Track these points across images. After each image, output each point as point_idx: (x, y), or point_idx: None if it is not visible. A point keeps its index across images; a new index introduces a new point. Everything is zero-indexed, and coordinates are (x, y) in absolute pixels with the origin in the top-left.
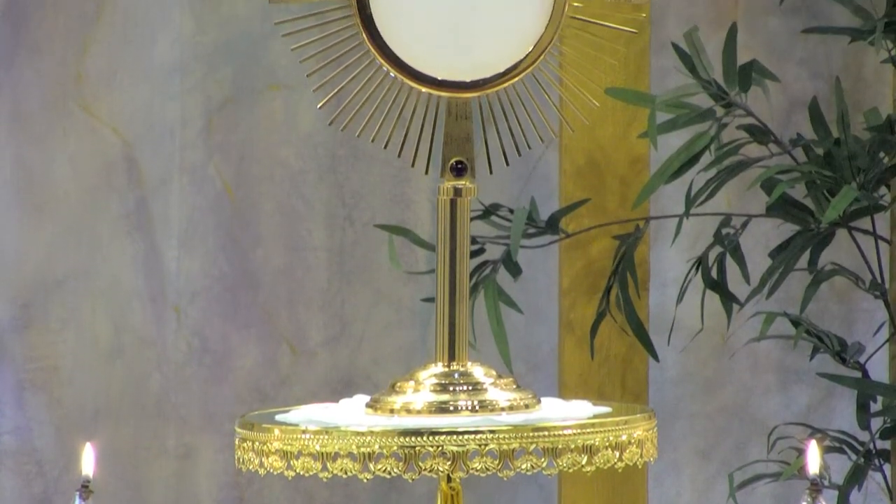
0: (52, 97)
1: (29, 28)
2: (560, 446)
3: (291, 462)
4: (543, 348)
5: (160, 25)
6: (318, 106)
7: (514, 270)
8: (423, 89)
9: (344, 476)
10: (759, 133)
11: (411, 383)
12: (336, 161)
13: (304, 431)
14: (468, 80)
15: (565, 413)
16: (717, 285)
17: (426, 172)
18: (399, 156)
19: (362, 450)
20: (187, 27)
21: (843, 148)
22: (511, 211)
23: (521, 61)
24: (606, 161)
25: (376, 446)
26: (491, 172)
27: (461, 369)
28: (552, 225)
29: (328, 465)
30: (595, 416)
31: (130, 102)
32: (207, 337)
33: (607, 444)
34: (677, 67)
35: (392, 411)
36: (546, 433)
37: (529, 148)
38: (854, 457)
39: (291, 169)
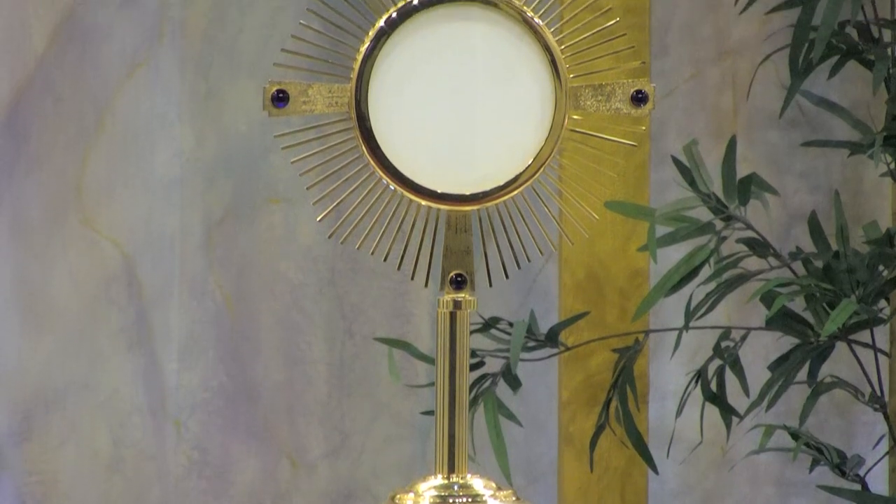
0: (52, 209)
1: (29, 140)
2: None
3: None
4: (543, 461)
5: (160, 138)
6: (318, 219)
7: (514, 383)
8: (423, 202)
9: None
10: (759, 246)
11: (411, 495)
12: (336, 274)
13: None
14: (468, 193)
15: None
16: (717, 398)
17: (426, 285)
18: (399, 269)
19: None
20: (187, 140)
21: (842, 261)
22: (511, 324)
23: (520, 174)
24: (606, 274)
25: None
26: (491, 285)
27: (461, 481)
28: (552, 338)
29: None
30: None
31: (130, 215)
32: (207, 450)
33: None
34: (677, 181)
35: None
36: None
37: (529, 261)
38: None
39: (291, 282)
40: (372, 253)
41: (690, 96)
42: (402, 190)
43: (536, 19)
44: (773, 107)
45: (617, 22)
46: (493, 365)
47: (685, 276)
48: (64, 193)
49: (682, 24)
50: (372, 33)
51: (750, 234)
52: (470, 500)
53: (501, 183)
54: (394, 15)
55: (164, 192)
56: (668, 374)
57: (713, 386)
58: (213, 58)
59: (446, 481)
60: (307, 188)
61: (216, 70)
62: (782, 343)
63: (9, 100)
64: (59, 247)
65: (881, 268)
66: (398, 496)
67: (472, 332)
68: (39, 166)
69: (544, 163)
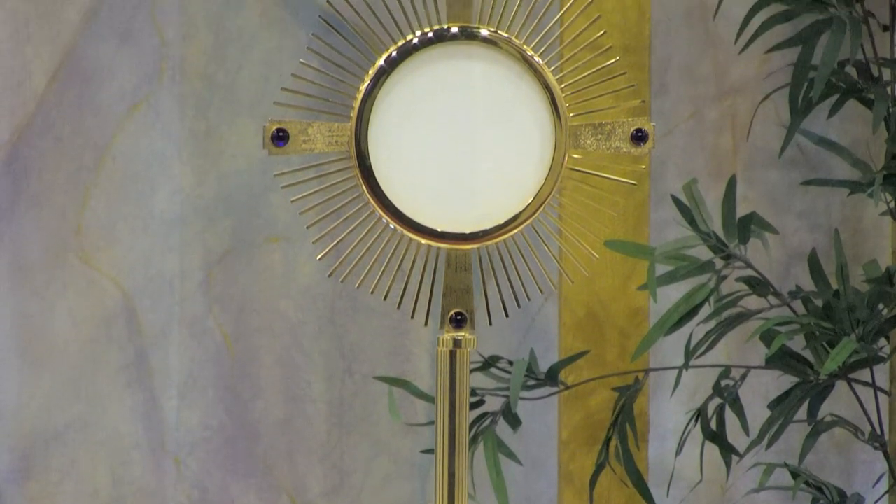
0: (51, 248)
1: (29, 180)
2: None
3: None
4: (543, 499)
5: (160, 177)
6: (318, 257)
7: (514, 422)
8: (423, 241)
9: None
10: (759, 285)
11: None
12: (335, 313)
13: None
14: (468, 231)
15: None
16: (717, 437)
17: (425, 324)
18: (398, 307)
19: None
20: (187, 179)
21: (842, 300)
22: (510, 363)
23: (520, 213)
24: (606, 313)
25: None
26: (490, 324)
27: None
28: (551, 377)
29: None
30: None
31: (130, 254)
32: (207, 488)
33: None
34: (677, 220)
35: None
36: None
37: (529, 300)
38: None
39: (291, 321)
40: (372, 292)
41: (690, 135)
42: (401, 228)
43: (536, 58)
44: (773, 146)
45: (617, 61)
46: (493, 403)
47: (685, 314)
48: (64, 232)
49: (681, 64)
50: (372, 72)
51: (750, 272)
52: None
53: (501, 221)
54: (394, 54)
55: (163, 231)
56: (668, 412)
57: (713, 424)
58: (212, 97)
59: None
60: (307, 227)
61: (216, 109)
62: (782, 382)
63: (9, 139)
64: (59, 286)
65: (881, 306)
66: None
67: (471, 371)
68: (39, 205)
69: (544, 201)
